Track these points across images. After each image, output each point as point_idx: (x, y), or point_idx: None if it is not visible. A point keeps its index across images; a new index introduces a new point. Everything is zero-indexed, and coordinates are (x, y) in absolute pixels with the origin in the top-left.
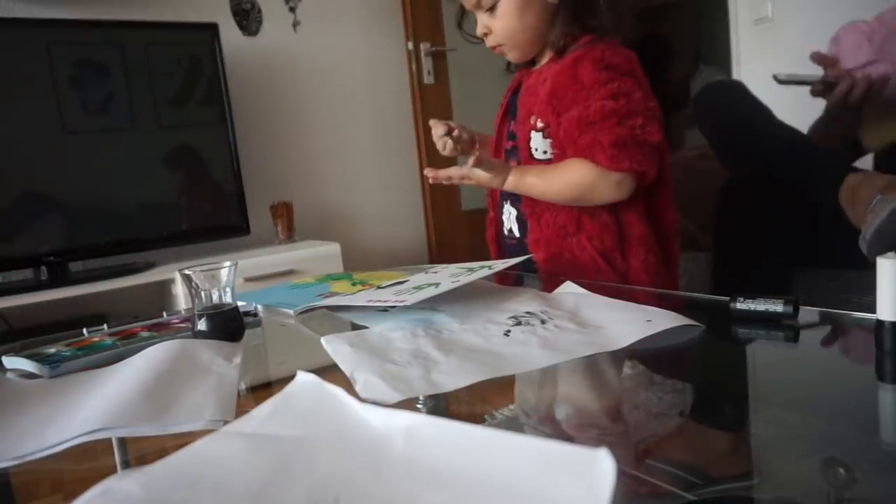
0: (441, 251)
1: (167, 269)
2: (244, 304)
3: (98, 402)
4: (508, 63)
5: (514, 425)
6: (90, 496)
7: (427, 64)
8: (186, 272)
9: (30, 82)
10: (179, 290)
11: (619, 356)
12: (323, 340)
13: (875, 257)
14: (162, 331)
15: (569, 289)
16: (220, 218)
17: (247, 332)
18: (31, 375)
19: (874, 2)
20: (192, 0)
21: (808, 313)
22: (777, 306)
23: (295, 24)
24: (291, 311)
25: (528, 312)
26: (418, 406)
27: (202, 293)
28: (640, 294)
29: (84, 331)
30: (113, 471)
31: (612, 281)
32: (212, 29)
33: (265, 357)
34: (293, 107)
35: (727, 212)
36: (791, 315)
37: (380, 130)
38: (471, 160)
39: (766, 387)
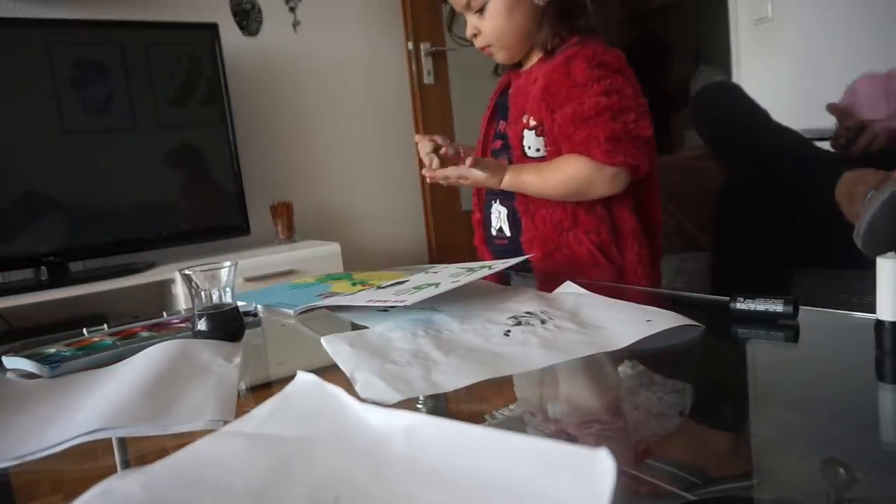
0: (441, 251)
1: (167, 269)
2: (244, 304)
3: (98, 402)
4: (496, 66)
5: (514, 425)
6: (90, 496)
7: (427, 64)
8: (186, 272)
9: (30, 82)
10: (179, 290)
11: (619, 356)
12: (323, 340)
13: (870, 251)
14: (162, 331)
15: (569, 289)
16: (220, 218)
17: (247, 332)
18: (31, 375)
19: (874, 2)
20: (192, 0)
21: (808, 313)
22: (777, 306)
23: (295, 24)
24: (291, 311)
25: (528, 312)
26: (418, 406)
27: (202, 293)
28: (640, 294)
29: (84, 331)
30: (113, 471)
31: (609, 274)
32: (212, 29)
33: (265, 357)
34: (293, 107)
35: (725, 212)
36: (791, 315)
37: (380, 130)
38: (468, 160)
39: (766, 387)
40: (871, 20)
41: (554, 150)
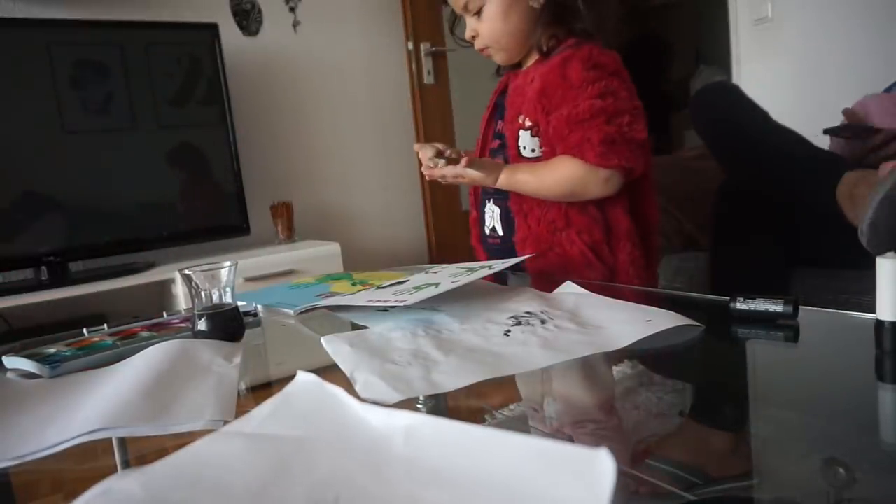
0: (441, 251)
1: (167, 269)
2: (244, 304)
3: (98, 402)
4: (498, 67)
5: (514, 425)
6: (90, 496)
7: (427, 64)
8: (186, 272)
9: (30, 82)
10: (179, 290)
11: (619, 356)
12: (323, 340)
13: (875, 249)
14: (162, 331)
15: (569, 289)
16: (220, 218)
17: (247, 332)
18: (31, 375)
19: (874, 2)
20: (192, 0)
21: (808, 313)
22: (777, 306)
23: (295, 24)
24: (291, 311)
25: (528, 312)
26: (418, 406)
27: (202, 293)
28: (639, 294)
29: (84, 331)
30: (113, 471)
31: (600, 274)
32: (212, 29)
33: (265, 357)
34: (293, 107)
35: (723, 211)
36: (791, 315)
37: (380, 130)
38: (463, 160)
39: (766, 387)
40: (871, 20)
41: (549, 151)
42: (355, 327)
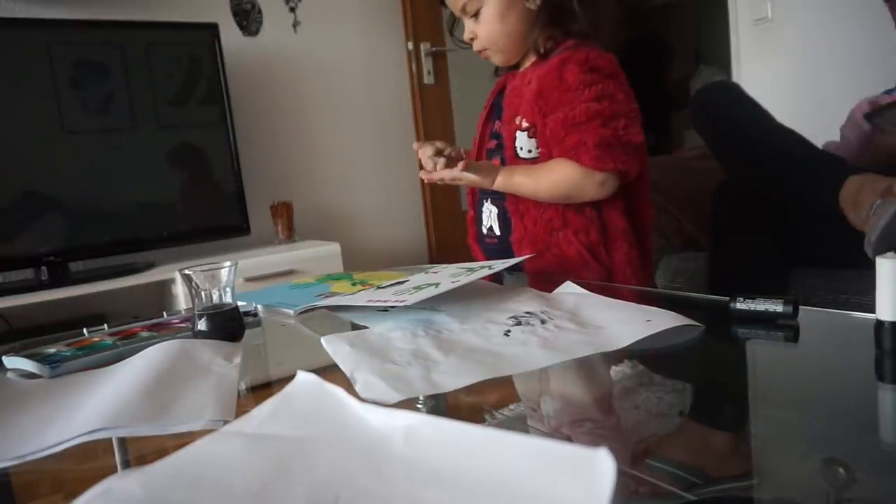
0: (441, 251)
1: (167, 269)
2: (244, 304)
3: (98, 402)
4: (496, 68)
5: (514, 425)
6: (90, 496)
7: (427, 64)
8: (186, 272)
9: (30, 82)
10: (179, 290)
11: (618, 356)
12: (323, 340)
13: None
14: (162, 331)
15: (569, 289)
16: (220, 218)
17: (247, 332)
18: (31, 375)
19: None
20: (192, 0)
21: (807, 313)
22: (777, 306)
23: (295, 24)
24: (291, 311)
25: (528, 312)
26: (418, 406)
27: (202, 293)
28: (639, 294)
29: (84, 331)
30: (113, 471)
31: (597, 274)
32: (212, 29)
33: (265, 357)
34: (293, 107)
35: (722, 211)
36: (791, 315)
37: (380, 130)
38: (461, 164)
39: (766, 387)
40: (871, 20)
41: (546, 153)
42: (355, 327)
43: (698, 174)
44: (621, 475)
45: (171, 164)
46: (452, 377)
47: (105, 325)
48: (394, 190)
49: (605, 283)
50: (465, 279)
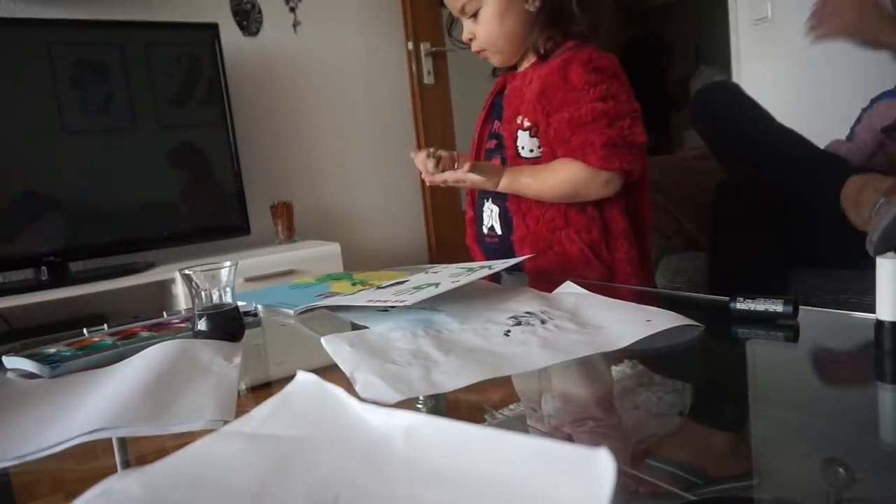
0: (441, 251)
1: (167, 269)
2: (244, 304)
3: (98, 402)
4: (494, 69)
5: (514, 425)
6: (90, 496)
7: (427, 64)
8: (187, 272)
9: (30, 82)
10: (179, 290)
11: (618, 356)
12: (323, 340)
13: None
14: (162, 331)
15: (568, 289)
16: (220, 218)
17: (247, 332)
18: (31, 375)
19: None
20: (192, 0)
21: (807, 313)
22: (777, 306)
23: (295, 25)
24: (291, 311)
25: (528, 312)
26: (418, 406)
27: (202, 293)
28: (639, 294)
29: (84, 331)
30: (113, 471)
31: (598, 273)
32: (212, 29)
33: (265, 357)
34: (293, 107)
35: (721, 211)
36: (791, 315)
37: (380, 130)
38: (466, 165)
39: (766, 387)
40: None
41: (549, 152)
42: (355, 327)
43: (698, 174)
44: (621, 475)
45: (171, 164)
46: (452, 377)
47: (105, 325)
48: (394, 190)
49: (605, 283)
50: (465, 279)
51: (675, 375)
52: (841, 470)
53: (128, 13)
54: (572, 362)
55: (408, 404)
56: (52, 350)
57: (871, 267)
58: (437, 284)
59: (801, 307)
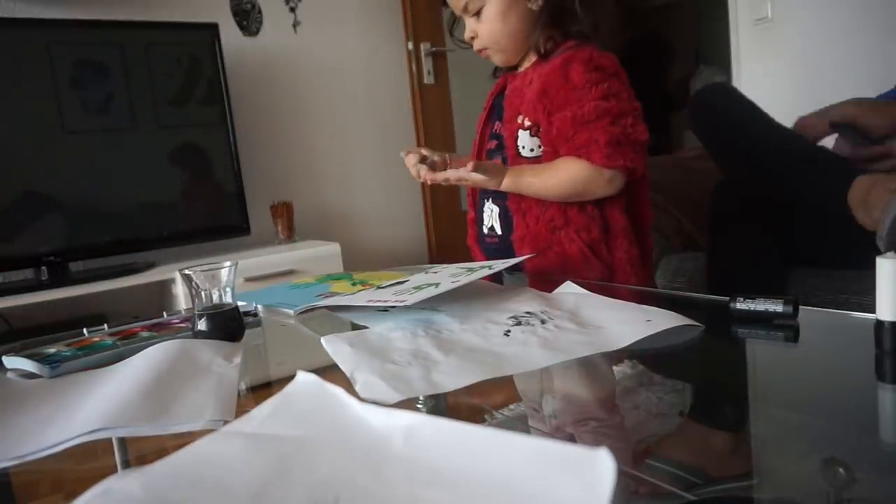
0: (441, 251)
1: (167, 269)
2: (244, 304)
3: (98, 402)
4: (495, 69)
5: (514, 425)
6: (90, 496)
7: (427, 64)
8: (186, 272)
9: (30, 82)
10: (179, 290)
11: (618, 356)
12: (323, 340)
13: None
14: (162, 331)
15: (568, 289)
16: (220, 218)
17: (247, 332)
18: (31, 375)
19: (872, 2)
20: (192, 0)
21: (807, 313)
22: (777, 306)
23: (295, 25)
24: (291, 311)
25: (528, 312)
26: (418, 406)
27: (202, 293)
28: (639, 294)
29: (84, 331)
30: (113, 471)
31: (599, 272)
32: (212, 29)
33: (265, 357)
34: (293, 107)
35: (719, 211)
36: (791, 315)
37: (380, 130)
38: (469, 164)
39: (766, 387)
40: (871, 21)
41: (550, 151)
42: (355, 327)
43: (698, 174)
44: (621, 475)
45: (172, 164)
46: (452, 377)
47: (105, 325)
48: (394, 190)
49: (605, 283)
50: (465, 279)
51: (675, 375)
52: (841, 470)
53: (128, 13)
54: (572, 362)
55: (408, 404)
56: (52, 350)
57: (871, 267)
58: (437, 284)
59: (801, 307)
